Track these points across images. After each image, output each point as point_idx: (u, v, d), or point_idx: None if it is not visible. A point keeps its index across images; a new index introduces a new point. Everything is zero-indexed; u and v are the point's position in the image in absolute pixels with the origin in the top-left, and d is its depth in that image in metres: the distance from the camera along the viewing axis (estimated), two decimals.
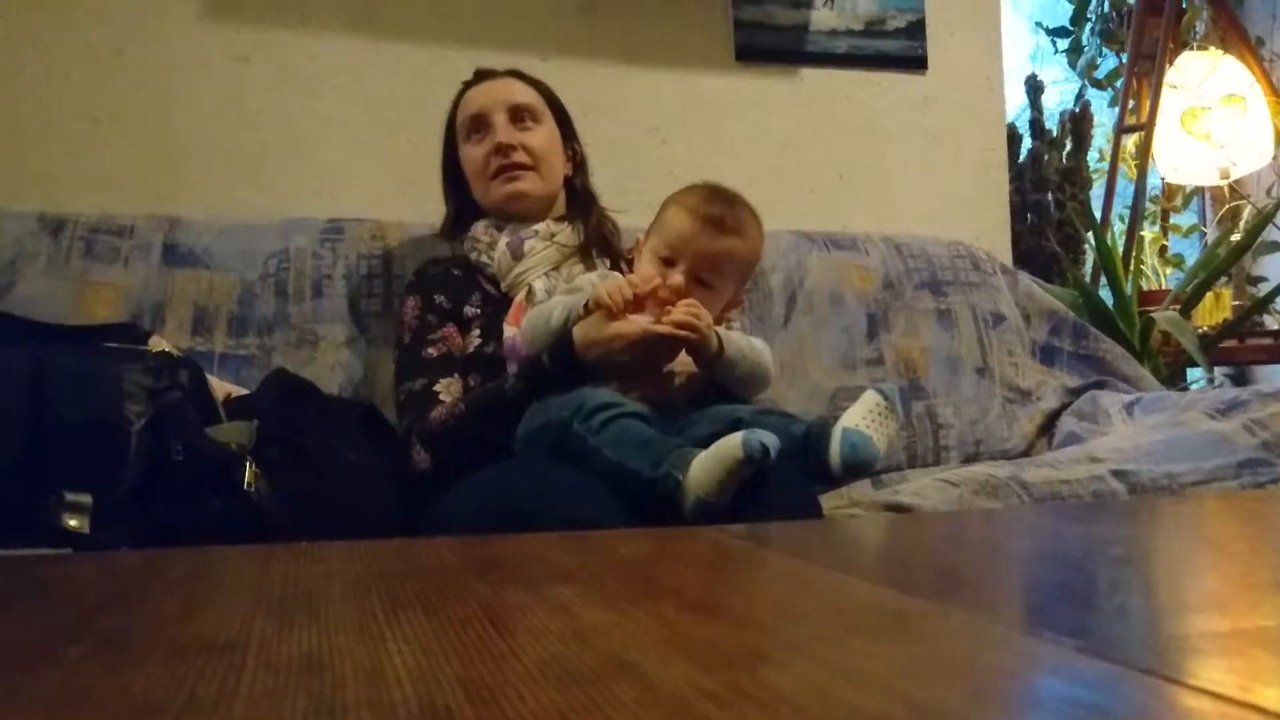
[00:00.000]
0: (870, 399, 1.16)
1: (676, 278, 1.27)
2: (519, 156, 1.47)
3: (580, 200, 1.56)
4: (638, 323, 1.23)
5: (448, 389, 1.37)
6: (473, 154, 1.51)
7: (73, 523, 1.01)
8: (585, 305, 1.27)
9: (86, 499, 1.02)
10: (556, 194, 1.54)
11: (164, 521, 1.05)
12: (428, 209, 1.67)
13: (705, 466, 1.04)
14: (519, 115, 1.49)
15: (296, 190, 1.91)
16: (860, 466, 1.15)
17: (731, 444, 1.03)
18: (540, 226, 1.48)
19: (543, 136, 1.50)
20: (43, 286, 1.56)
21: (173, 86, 1.88)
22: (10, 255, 1.57)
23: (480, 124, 1.50)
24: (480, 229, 1.51)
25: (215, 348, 1.61)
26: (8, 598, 0.58)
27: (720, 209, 1.32)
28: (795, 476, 1.16)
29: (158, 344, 1.28)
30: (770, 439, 1.03)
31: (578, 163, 1.58)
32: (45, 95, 1.82)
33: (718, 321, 1.33)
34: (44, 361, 1.07)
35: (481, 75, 1.56)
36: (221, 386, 1.38)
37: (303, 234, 1.73)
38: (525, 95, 1.52)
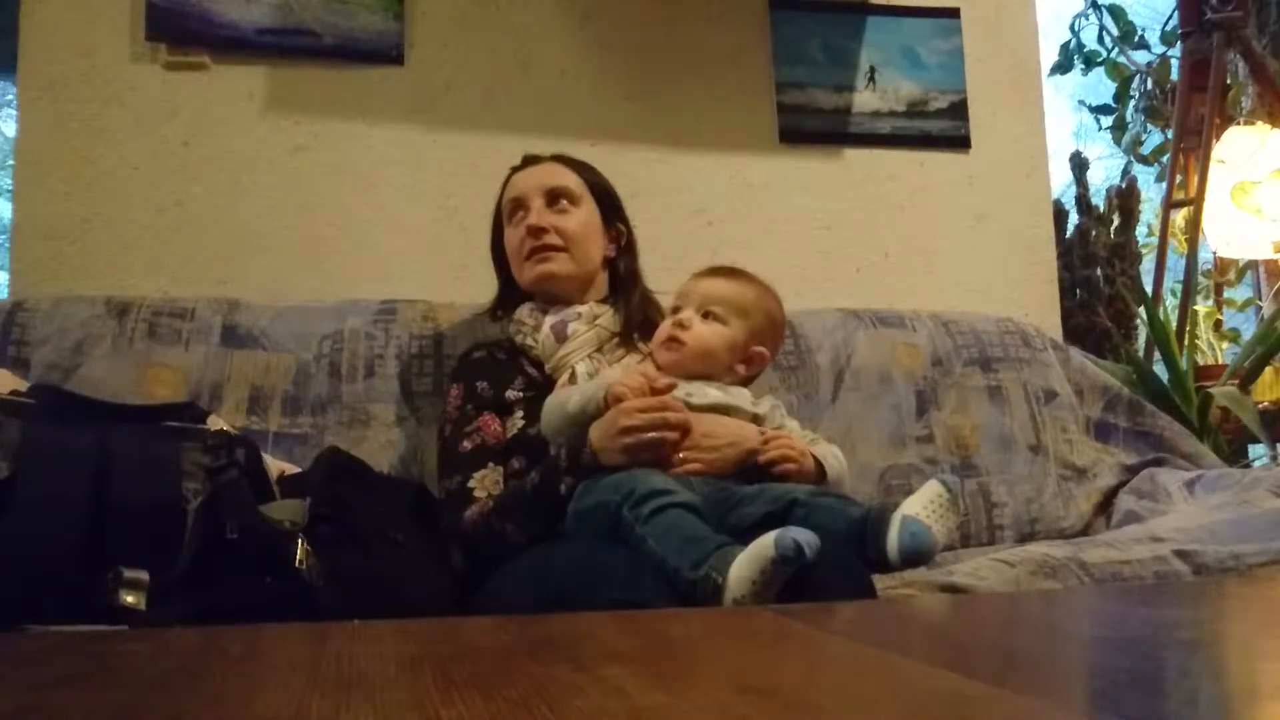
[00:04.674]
0: (932, 489, 1.14)
1: (687, 313, 1.36)
2: (550, 238, 1.50)
3: (623, 282, 1.57)
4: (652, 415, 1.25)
5: (482, 482, 1.38)
6: (511, 236, 1.55)
7: (129, 600, 1.02)
8: (604, 398, 1.28)
9: (144, 576, 1.03)
10: (592, 275, 1.55)
11: (217, 599, 1.05)
12: (478, 291, 1.70)
13: (743, 565, 1.03)
14: (555, 198, 1.53)
15: (352, 275, 1.96)
16: (918, 556, 1.12)
17: (765, 544, 1.01)
18: (583, 309, 1.50)
19: (578, 219, 1.53)
20: (107, 368, 1.61)
21: (235, 176, 1.96)
22: (78, 338, 1.63)
23: (519, 207, 1.54)
24: (525, 312, 1.54)
25: (270, 426, 1.64)
26: (71, 675, 0.59)
27: (718, 267, 1.44)
28: (848, 556, 1.14)
29: (215, 423, 1.30)
30: (806, 536, 1.01)
31: (622, 244, 1.60)
32: (115, 185, 1.91)
33: (747, 379, 1.40)
34: (107, 441, 1.10)
35: (528, 160, 1.60)
36: (275, 465, 1.40)
37: (356, 315, 1.77)
38: (563, 179, 1.55)
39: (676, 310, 1.39)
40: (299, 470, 1.42)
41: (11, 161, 1.96)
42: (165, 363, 1.65)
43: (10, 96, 3.61)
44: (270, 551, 1.12)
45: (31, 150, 1.90)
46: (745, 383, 1.41)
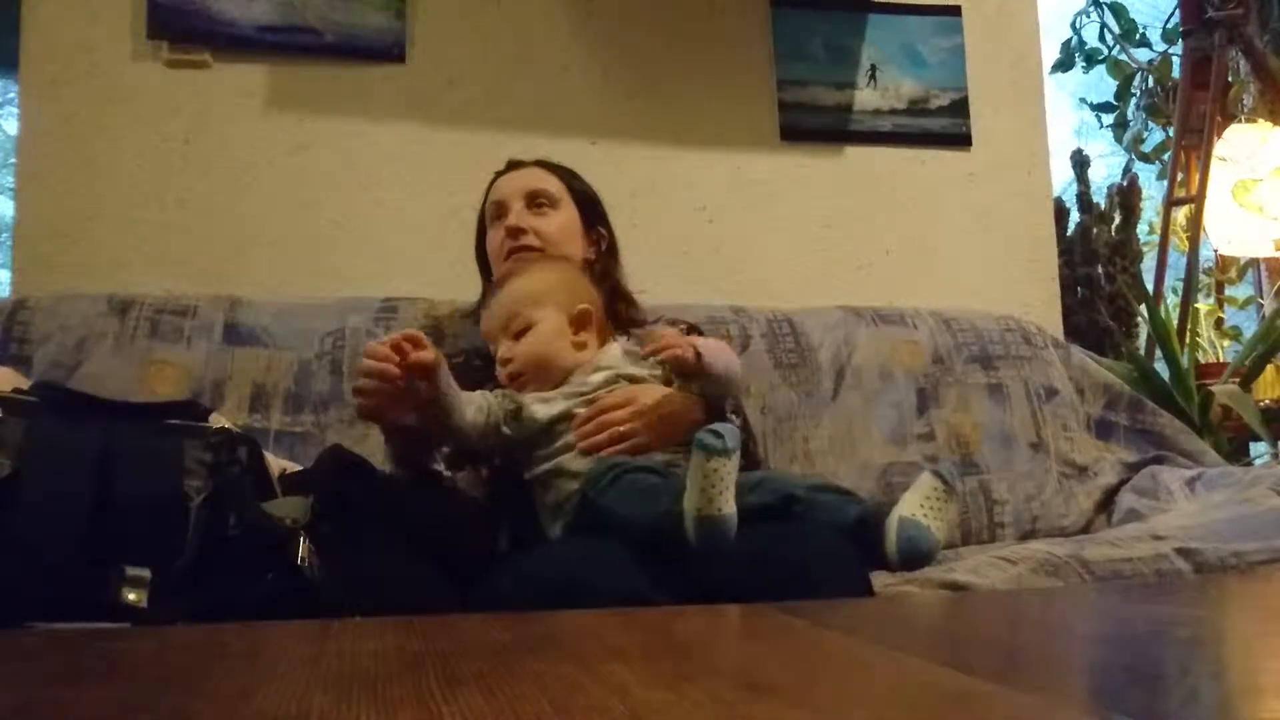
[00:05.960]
0: (927, 484, 1.12)
1: (502, 347, 1.33)
2: (528, 239, 1.51)
3: (596, 281, 1.57)
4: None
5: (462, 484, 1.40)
6: (492, 238, 1.56)
7: (132, 597, 1.02)
8: None
9: (146, 574, 1.03)
10: None
11: (219, 596, 1.06)
12: (479, 289, 1.70)
13: (689, 485, 1.04)
14: (535, 201, 1.54)
15: (354, 272, 1.96)
16: (918, 559, 1.12)
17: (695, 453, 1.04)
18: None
19: (557, 221, 1.54)
20: (109, 365, 1.61)
21: (237, 174, 1.96)
22: (80, 335, 1.63)
23: (500, 210, 1.55)
24: None
25: (271, 425, 1.64)
26: (73, 671, 0.59)
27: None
28: (845, 552, 1.14)
29: (218, 421, 1.30)
30: (725, 428, 1.03)
31: (602, 248, 1.60)
32: (117, 183, 1.91)
33: (600, 333, 1.36)
34: (109, 438, 1.10)
35: (511, 165, 1.61)
36: (277, 463, 1.40)
37: (357, 313, 1.77)
38: (544, 182, 1.56)
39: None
40: (300, 468, 1.42)
41: (13, 160, 1.96)
42: (167, 360, 1.65)
43: (12, 95, 3.61)
44: (272, 549, 1.12)
45: (33, 148, 1.90)
46: (605, 338, 1.39)
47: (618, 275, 1.60)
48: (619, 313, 1.54)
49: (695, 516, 1.03)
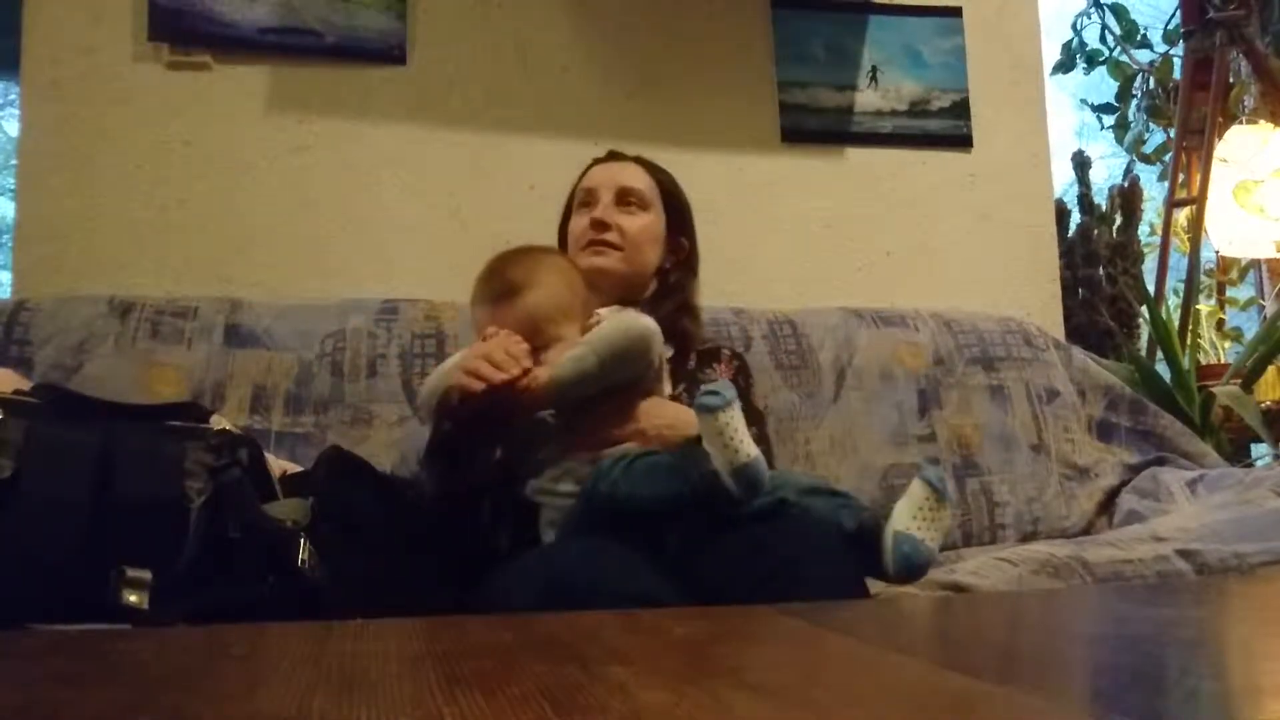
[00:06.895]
0: (918, 493, 1.12)
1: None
2: (610, 235, 1.50)
3: (668, 291, 1.56)
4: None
5: None
6: (576, 224, 1.55)
7: (133, 598, 1.02)
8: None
9: (147, 575, 1.03)
10: (643, 279, 1.54)
11: (220, 598, 1.06)
12: None
13: (709, 448, 1.09)
14: (625, 197, 1.53)
15: (354, 274, 1.96)
16: (914, 572, 1.12)
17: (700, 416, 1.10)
18: (604, 311, 1.49)
19: (642, 223, 1.53)
20: (110, 367, 1.61)
21: (237, 175, 1.96)
22: (81, 337, 1.63)
23: (589, 198, 1.55)
24: None
25: (272, 426, 1.64)
26: (73, 673, 0.59)
27: (481, 285, 1.36)
28: (839, 550, 1.14)
29: (219, 422, 1.30)
30: (718, 384, 1.11)
31: (681, 257, 1.59)
32: (117, 185, 1.91)
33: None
34: (110, 440, 1.10)
35: (612, 155, 1.62)
36: (277, 464, 1.40)
37: (359, 314, 1.77)
38: (638, 180, 1.55)
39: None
40: (301, 469, 1.42)
41: (14, 161, 1.96)
42: (168, 362, 1.65)
43: (13, 96, 3.62)
44: (273, 551, 1.12)
45: (34, 150, 1.90)
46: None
47: (690, 289, 1.58)
48: (682, 328, 1.49)
49: (729, 471, 1.08)
